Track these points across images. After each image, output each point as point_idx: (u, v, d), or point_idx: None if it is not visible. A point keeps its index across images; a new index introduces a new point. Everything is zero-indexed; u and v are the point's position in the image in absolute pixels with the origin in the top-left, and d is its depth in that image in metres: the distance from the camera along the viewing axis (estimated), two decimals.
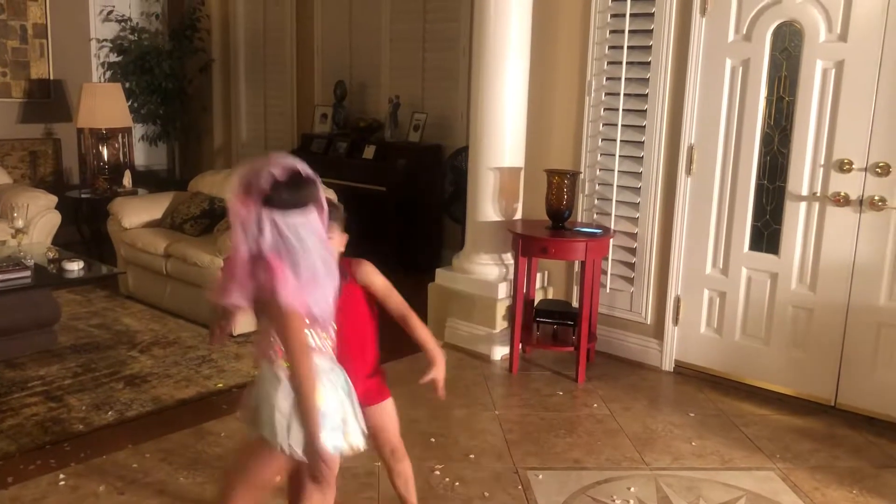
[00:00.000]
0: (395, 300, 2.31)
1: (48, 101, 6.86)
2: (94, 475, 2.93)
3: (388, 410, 2.43)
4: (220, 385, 3.83)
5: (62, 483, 2.87)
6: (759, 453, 3.29)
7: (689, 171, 4.03)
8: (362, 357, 2.31)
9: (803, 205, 3.73)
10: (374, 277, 2.29)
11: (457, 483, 2.95)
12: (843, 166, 3.57)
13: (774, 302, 3.87)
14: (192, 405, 3.64)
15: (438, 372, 2.28)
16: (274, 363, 1.96)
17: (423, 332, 2.31)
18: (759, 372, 3.95)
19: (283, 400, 1.93)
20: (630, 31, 4.10)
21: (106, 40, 7.01)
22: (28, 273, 4.07)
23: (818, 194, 3.68)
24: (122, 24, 7.03)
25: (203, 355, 4.21)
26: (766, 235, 3.88)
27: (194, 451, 3.11)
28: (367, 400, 2.28)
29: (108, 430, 3.38)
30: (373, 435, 2.36)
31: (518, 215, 4.37)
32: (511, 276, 4.26)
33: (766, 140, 3.84)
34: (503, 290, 4.26)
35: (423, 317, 4.51)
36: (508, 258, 4.31)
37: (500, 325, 4.27)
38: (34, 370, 4.00)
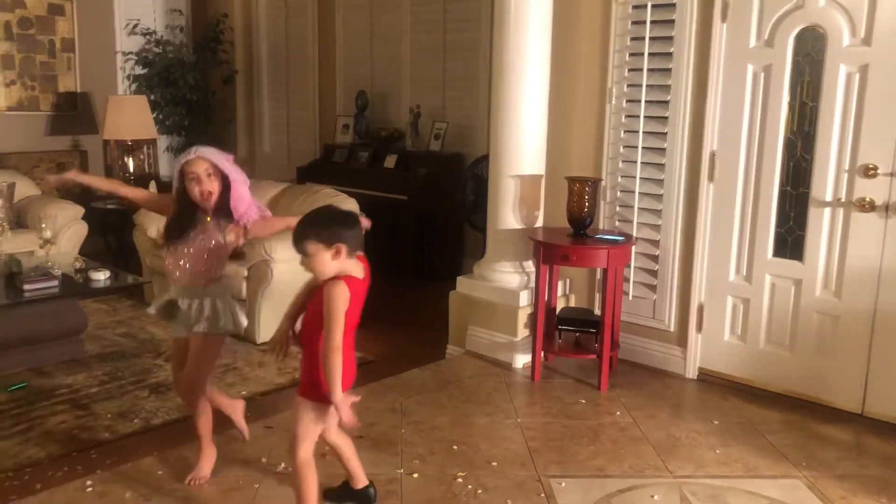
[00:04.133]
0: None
1: (75, 113, 6.98)
2: (121, 482, 2.96)
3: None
4: (244, 393, 3.86)
5: (89, 490, 2.90)
6: (785, 461, 3.26)
7: (711, 178, 4.01)
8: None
9: (827, 211, 3.69)
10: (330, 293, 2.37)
11: (479, 491, 2.95)
12: (868, 171, 3.54)
13: (799, 309, 3.83)
14: (217, 413, 3.65)
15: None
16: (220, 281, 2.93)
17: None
18: (784, 379, 3.91)
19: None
20: (651, 38, 4.09)
21: (131, 53, 7.11)
22: (55, 283, 4.13)
23: (843, 200, 3.64)
24: (147, 37, 7.13)
25: (227, 363, 4.24)
26: (790, 242, 3.85)
27: (218, 459, 3.12)
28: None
29: (134, 437, 3.43)
30: None
31: (539, 223, 4.36)
32: (532, 283, 4.25)
33: (790, 146, 3.81)
34: (525, 298, 4.26)
35: (444, 324, 4.55)
36: (530, 266, 4.31)
37: (522, 332, 4.26)
38: (61, 378, 4.05)
